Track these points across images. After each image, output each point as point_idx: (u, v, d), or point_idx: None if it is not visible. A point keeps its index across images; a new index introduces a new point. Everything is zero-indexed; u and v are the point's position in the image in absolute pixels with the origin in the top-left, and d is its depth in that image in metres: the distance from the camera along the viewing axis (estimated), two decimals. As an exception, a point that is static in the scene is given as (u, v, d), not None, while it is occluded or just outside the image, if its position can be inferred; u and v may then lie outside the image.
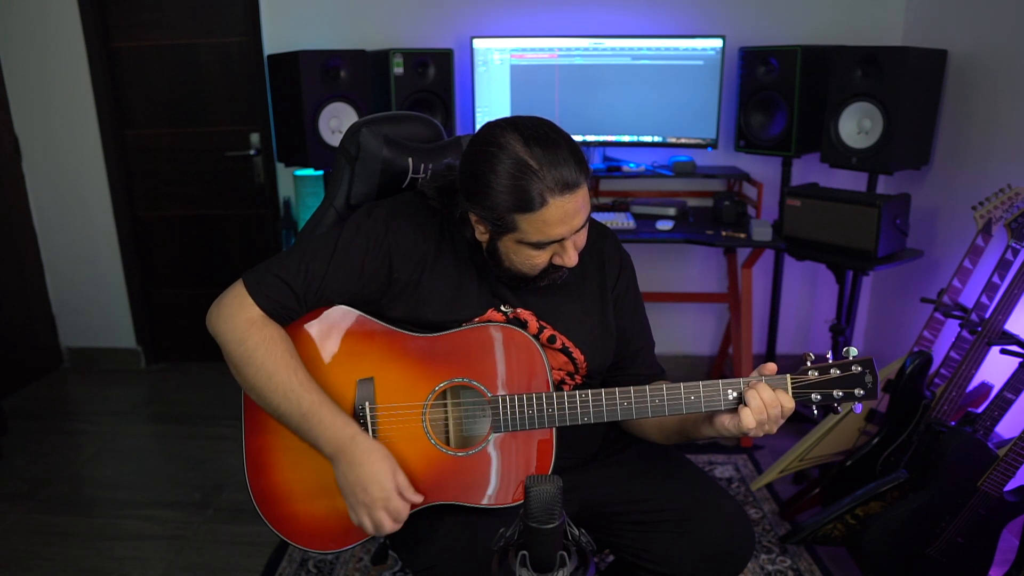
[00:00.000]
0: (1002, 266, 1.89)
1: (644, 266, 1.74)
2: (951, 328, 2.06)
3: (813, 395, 1.16)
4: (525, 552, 0.92)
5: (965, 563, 1.71)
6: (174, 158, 3.31)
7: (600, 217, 2.60)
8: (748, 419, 1.12)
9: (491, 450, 1.24)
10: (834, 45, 2.50)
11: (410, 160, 1.42)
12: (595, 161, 2.98)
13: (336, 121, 2.63)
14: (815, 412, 1.18)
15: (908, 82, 2.29)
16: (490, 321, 1.27)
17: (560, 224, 1.14)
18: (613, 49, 2.77)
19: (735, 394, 1.16)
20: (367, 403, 1.24)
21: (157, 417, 3.10)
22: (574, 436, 1.31)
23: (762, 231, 2.49)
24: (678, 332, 3.30)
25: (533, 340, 1.24)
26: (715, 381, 1.17)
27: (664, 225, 2.65)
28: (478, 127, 1.87)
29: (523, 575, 0.92)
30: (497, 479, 1.24)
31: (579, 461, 1.37)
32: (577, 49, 2.78)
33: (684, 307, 3.27)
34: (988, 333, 1.83)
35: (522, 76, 2.82)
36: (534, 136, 1.12)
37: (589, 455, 1.40)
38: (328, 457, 1.21)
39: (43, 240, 3.40)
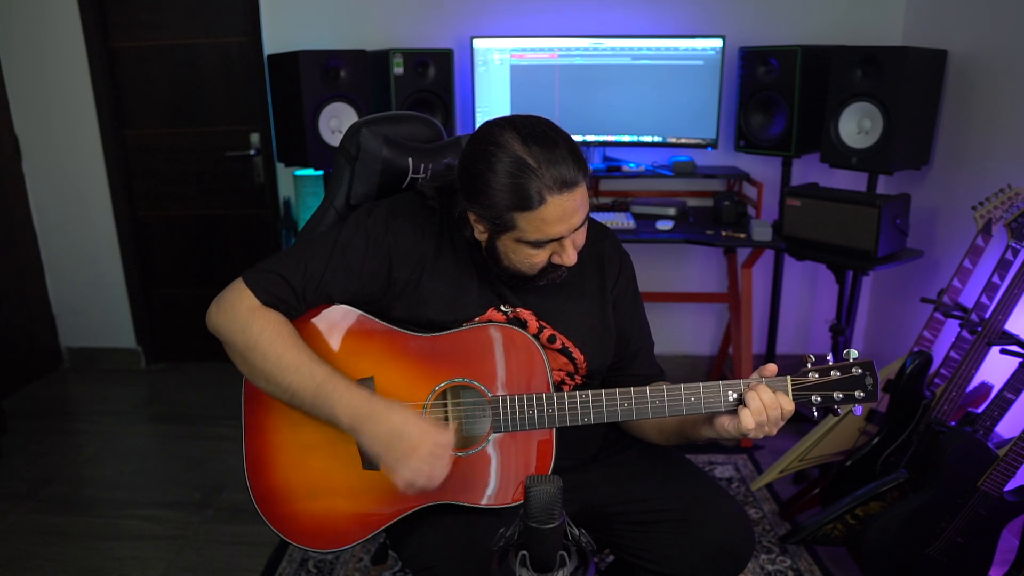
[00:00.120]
0: (1002, 266, 1.89)
1: (644, 266, 1.74)
2: (951, 328, 2.06)
3: (813, 397, 1.16)
4: (525, 552, 0.92)
5: (965, 563, 1.71)
6: (174, 158, 3.31)
7: (600, 217, 2.60)
8: (747, 420, 1.12)
9: (491, 450, 1.24)
10: (834, 45, 2.50)
11: (410, 160, 1.42)
12: (595, 161, 2.97)
13: (336, 121, 2.63)
14: (815, 414, 1.18)
15: (908, 82, 2.29)
16: (490, 321, 1.27)
17: (559, 222, 1.14)
18: (613, 49, 2.76)
19: (735, 395, 1.16)
20: (367, 403, 1.23)
21: (157, 417, 3.10)
22: (574, 436, 1.31)
23: (762, 231, 2.49)
24: (678, 332, 3.30)
25: (533, 340, 1.24)
26: (715, 382, 1.17)
27: (664, 225, 2.65)
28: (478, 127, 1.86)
29: (523, 575, 0.92)
30: (497, 479, 1.24)
31: (579, 461, 1.37)
32: (577, 49, 2.78)
33: (684, 307, 3.27)
34: (988, 333, 1.83)
35: (522, 76, 2.82)
36: (532, 135, 1.12)
37: (589, 455, 1.40)
38: (347, 429, 1.17)
39: (43, 240, 3.40)
